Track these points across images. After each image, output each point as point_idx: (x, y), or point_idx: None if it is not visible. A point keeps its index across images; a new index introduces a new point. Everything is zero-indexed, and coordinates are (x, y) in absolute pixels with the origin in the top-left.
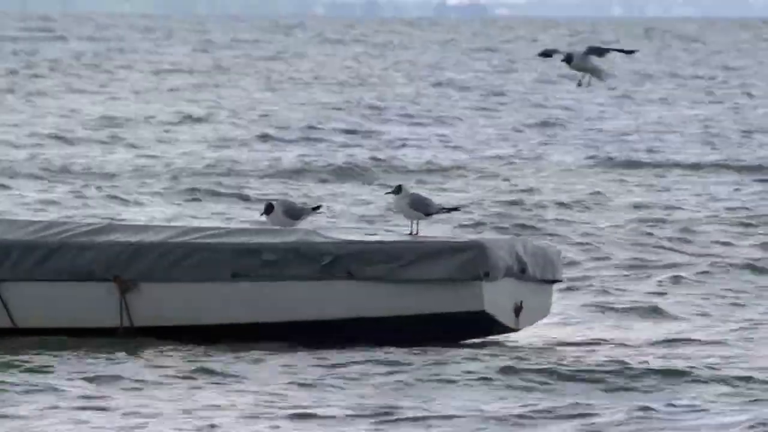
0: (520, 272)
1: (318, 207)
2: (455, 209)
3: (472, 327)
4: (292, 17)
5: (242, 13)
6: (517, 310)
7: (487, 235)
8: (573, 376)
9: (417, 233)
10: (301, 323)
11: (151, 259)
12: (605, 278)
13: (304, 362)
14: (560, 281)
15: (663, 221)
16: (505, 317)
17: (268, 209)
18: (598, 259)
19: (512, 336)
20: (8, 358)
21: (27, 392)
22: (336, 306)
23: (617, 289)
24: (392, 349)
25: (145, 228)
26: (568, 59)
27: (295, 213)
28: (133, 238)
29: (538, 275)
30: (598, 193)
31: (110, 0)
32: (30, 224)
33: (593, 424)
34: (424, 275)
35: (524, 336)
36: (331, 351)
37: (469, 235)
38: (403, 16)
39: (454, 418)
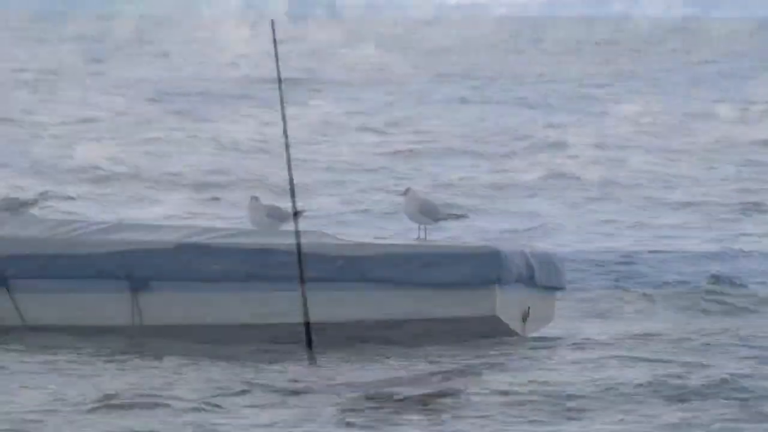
0: (529, 279)
1: (300, 212)
2: (463, 216)
3: (481, 330)
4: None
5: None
6: (525, 316)
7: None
8: None
9: (424, 238)
10: (313, 325)
11: (164, 258)
12: None
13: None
14: (563, 289)
15: None
16: (513, 323)
17: (252, 201)
18: None
19: None
20: None
21: None
22: (348, 308)
23: None
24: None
25: (157, 227)
26: None
27: (280, 215)
28: (146, 238)
29: (544, 282)
30: None
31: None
32: (42, 222)
33: None
34: (437, 279)
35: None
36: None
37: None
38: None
39: None
